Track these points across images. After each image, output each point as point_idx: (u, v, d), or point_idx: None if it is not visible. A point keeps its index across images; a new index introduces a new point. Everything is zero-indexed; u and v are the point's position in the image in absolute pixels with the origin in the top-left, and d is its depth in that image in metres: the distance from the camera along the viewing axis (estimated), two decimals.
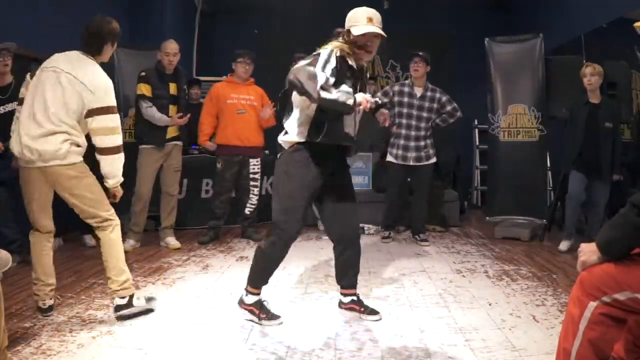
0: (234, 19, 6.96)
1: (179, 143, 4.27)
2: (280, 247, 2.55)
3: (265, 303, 2.64)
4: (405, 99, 4.45)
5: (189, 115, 4.11)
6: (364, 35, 2.38)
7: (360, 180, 5.54)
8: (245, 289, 2.64)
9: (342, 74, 2.39)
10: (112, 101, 2.53)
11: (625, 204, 1.53)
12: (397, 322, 2.60)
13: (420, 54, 4.43)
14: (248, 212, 4.58)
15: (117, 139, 2.55)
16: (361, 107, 2.30)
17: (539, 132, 4.94)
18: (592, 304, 1.56)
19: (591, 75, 3.92)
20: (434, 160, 4.53)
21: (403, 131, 4.46)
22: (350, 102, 2.24)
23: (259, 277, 2.63)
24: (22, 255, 3.48)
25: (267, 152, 5.62)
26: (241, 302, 2.65)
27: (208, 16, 6.88)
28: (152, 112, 4.02)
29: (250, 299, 2.62)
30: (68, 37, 4.32)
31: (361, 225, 5.00)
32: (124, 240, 4.09)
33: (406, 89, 4.48)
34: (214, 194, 4.64)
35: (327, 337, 2.41)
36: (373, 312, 2.67)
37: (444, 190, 5.43)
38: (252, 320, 2.58)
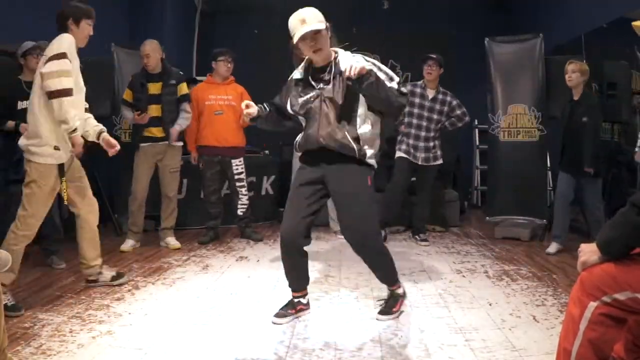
0: (234, 19, 6.95)
1: (175, 144, 4.23)
2: (281, 246, 2.59)
3: (295, 301, 2.70)
4: (417, 100, 4.48)
5: (145, 114, 4.07)
6: (301, 41, 2.36)
7: None
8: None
9: (304, 85, 2.50)
10: (59, 49, 2.70)
11: (625, 204, 1.53)
12: (397, 322, 2.60)
13: (434, 56, 4.47)
14: (241, 213, 4.58)
15: (63, 82, 2.64)
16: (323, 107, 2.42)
17: (539, 132, 4.94)
18: (592, 304, 1.55)
19: (572, 72, 3.91)
20: (440, 161, 4.57)
21: (412, 130, 4.49)
22: None
23: (286, 278, 2.72)
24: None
25: (267, 152, 5.63)
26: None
27: (208, 16, 6.89)
28: (124, 115, 4.34)
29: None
30: None
31: None
32: (124, 241, 4.15)
33: (418, 90, 4.51)
34: (204, 195, 4.65)
35: (327, 337, 2.41)
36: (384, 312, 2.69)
37: (444, 190, 5.43)
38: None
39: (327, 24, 2.42)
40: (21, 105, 3.48)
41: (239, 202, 4.56)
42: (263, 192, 5.46)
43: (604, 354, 1.57)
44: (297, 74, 2.54)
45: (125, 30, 5.78)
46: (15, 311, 2.60)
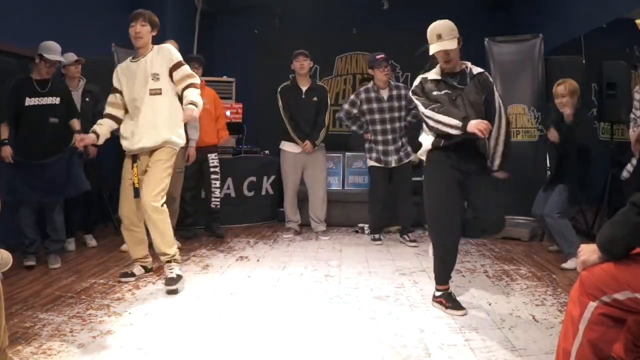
0: (234, 19, 6.96)
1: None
2: (440, 251, 2.88)
3: (452, 295, 2.83)
4: (374, 105, 4.43)
5: None
6: (435, 52, 2.77)
7: (360, 181, 5.54)
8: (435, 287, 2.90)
9: (432, 88, 2.81)
10: None
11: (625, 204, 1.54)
12: (397, 322, 2.60)
13: (385, 56, 4.41)
14: (214, 206, 4.68)
15: None
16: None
17: (538, 132, 4.94)
18: (592, 304, 1.56)
19: (562, 97, 3.70)
20: (413, 157, 4.52)
21: (380, 137, 4.45)
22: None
23: (438, 275, 2.89)
24: (38, 256, 3.62)
25: (267, 152, 5.63)
26: (433, 297, 2.89)
27: (208, 16, 6.89)
28: None
29: (438, 293, 2.86)
30: (69, 37, 4.35)
31: (360, 225, 5.03)
32: (124, 241, 4.14)
33: (372, 95, 4.45)
34: (184, 193, 4.63)
35: (327, 337, 2.41)
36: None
37: None
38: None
39: (459, 37, 2.79)
40: (29, 102, 3.54)
41: (212, 195, 4.67)
42: (263, 192, 5.46)
43: (604, 354, 1.57)
44: (432, 75, 2.86)
45: (125, 30, 5.78)
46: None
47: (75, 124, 3.79)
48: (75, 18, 4.66)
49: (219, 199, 4.71)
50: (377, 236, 4.61)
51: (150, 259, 3.40)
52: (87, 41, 4.50)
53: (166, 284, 3.05)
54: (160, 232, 3.10)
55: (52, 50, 3.52)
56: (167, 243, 3.13)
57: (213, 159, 4.65)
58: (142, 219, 3.20)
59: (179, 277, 3.11)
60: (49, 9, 4.36)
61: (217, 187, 4.68)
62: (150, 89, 3.11)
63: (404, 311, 2.77)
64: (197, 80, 3.14)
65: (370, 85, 4.52)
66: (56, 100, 3.62)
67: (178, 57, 3.17)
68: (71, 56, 4.03)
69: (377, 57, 4.41)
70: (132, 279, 3.25)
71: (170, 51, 3.18)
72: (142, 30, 3.13)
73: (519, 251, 4.22)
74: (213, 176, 4.66)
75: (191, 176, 4.57)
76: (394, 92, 4.45)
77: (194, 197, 4.70)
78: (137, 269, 3.33)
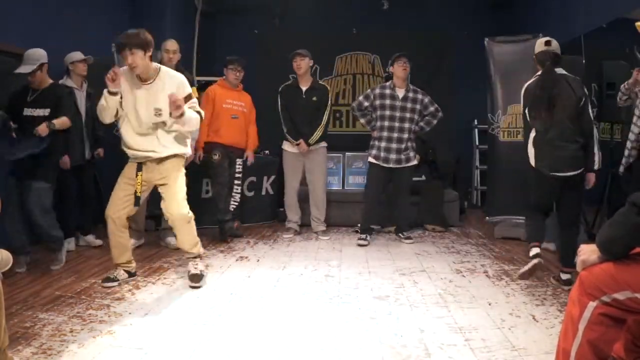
0: (234, 19, 6.95)
1: None
2: None
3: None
4: (387, 101, 4.44)
5: None
6: None
7: (360, 181, 5.54)
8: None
9: None
10: None
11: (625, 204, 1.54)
12: (397, 322, 2.60)
13: (405, 53, 4.48)
14: (232, 209, 4.69)
15: None
16: None
17: None
18: (592, 304, 1.56)
19: None
20: (414, 162, 4.56)
21: (385, 133, 4.45)
22: None
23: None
24: (30, 256, 3.58)
25: (267, 152, 5.63)
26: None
27: (208, 16, 6.89)
28: None
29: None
30: (69, 37, 4.35)
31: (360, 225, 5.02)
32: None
33: (387, 91, 4.46)
34: (215, 185, 4.62)
35: (327, 337, 2.41)
36: None
37: (444, 190, 5.42)
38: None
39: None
40: (25, 112, 3.50)
41: (232, 199, 4.68)
42: (263, 192, 5.46)
43: (604, 354, 1.57)
44: None
45: (125, 30, 5.78)
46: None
47: (59, 123, 3.51)
48: (76, 18, 4.66)
49: (237, 203, 4.73)
50: (363, 236, 4.53)
51: (134, 264, 3.30)
52: (87, 41, 4.50)
53: (190, 280, 3.19)
54: (187, 236, 3.19)
55: (26, 59, 3.45)
56: (192, 244, 3.23)
57: (240, 164, 4.68)
58: (126, 225, 3.17)
59: (202, 273, 3.25)
60: (49, 9, 4.36)
61: (237, 192, 4.71)
62: (153, 123, 3.04)
63: (404, 311, 2.77)
64: (199, 112, 3.14)
65: (388, 83, 4.56)
66: (46, 112, 3.54)
67: (188, 90, 3.08)
68: (78, 55, 4.04)
69: (397, 54, 4.50)
70: (115, 283, 3.13)
71: (180, 86, 3.05)
72: (134, 59, 2.88)
73: (519, 251, 4.22)
74: (236, 182, 4.69)
75: (225, 169, 4.56)
76: (410, 95, 4.46)
77: (229, 193, 4.64)
78: (121, 274, 3.21)
